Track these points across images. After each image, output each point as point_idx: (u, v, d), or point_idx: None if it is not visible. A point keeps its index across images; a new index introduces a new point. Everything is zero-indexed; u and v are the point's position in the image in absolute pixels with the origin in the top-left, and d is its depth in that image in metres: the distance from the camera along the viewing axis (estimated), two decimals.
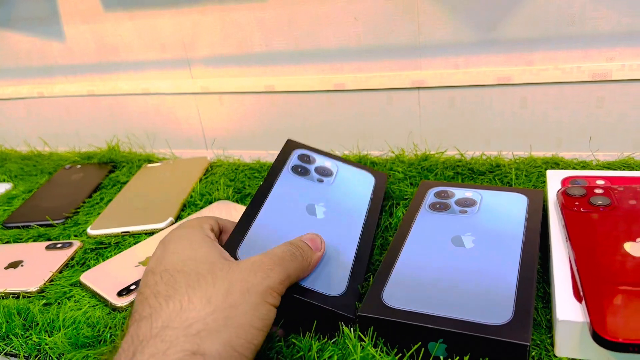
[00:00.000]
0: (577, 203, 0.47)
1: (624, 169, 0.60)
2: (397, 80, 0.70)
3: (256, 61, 0.75)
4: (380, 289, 0.40)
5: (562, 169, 0.62)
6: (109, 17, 0.79)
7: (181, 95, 0.81)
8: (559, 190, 0.49)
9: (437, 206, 0.50)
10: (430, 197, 0.52)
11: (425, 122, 0.72)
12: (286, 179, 0.51)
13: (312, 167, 0.54)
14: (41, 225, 0.65)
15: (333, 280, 0.42)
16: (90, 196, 0.72)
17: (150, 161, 0.80)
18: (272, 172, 0.51)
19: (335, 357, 0.37)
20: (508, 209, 0.49)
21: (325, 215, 0.48)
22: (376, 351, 0.37)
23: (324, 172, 0.54)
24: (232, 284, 0.35)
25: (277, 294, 0.37)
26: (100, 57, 0.83)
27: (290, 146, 0.55)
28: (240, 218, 0.45)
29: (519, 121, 0.68)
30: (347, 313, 0.39)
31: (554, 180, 0.54)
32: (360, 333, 0.39)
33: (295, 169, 0.52)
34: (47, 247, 0.59)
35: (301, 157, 0.55)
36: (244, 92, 0.78)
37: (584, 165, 0.62)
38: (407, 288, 0.40)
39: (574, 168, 0.62)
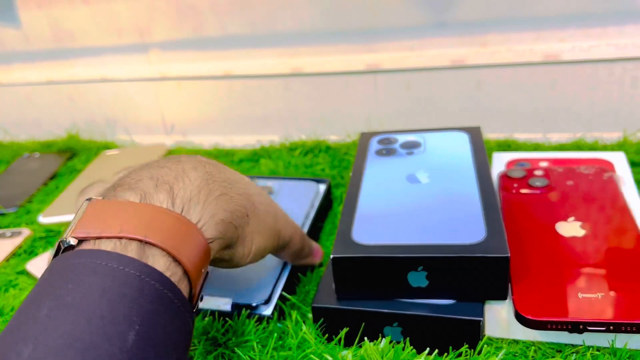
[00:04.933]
0: (515, 185, 0.47)
1: (575, 151, 0.60)
2: (353, 64, 0.70)
3: (213, 46, 0.75)
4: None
5: (514, 150, 0.62)
6: (63, 1, 0.78)
7: (139, 81, 0.80)
8: (500, 173, 0.49)
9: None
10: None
11: (382, 105, 0.72)
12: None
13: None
14: None
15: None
16: (45, 184, 0.71)
17: (109, 148, 0.80)
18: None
19: None
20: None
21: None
22: None
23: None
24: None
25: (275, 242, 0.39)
26: (57, 44, 0.82)
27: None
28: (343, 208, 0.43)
29: (473, 103, 0.68)
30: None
31: (498, 162, 0.54)
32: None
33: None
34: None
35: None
36: (202, 77, 0.77)
37: (536, 147, 0.62)
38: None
39: (526, 150, 0.62)
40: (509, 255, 0.34)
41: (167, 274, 0.27)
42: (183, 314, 0.28)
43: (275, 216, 0.38)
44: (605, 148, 0.60)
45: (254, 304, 0.41)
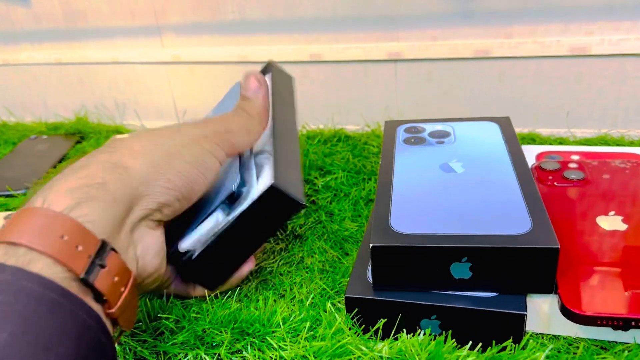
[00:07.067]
0: (550, 177, 0.46)
1: (601, 146, 0.59)
2: (373, 52, 0.68)
3: (229, 30, 0.73)
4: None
5: (538, 145, 0.61)
6: None
7: (151, 64, 0.78)
8: (532, 165, 0.48)
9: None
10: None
11: (402, 95, 0.70)
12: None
13: None
14: (1, 195, 0.63)
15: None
16: (55, 167, 0.69)
17: (119, 132, 0.78)
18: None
19: None
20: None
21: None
22: None
23: None
24: (171, 128, 0.38)
25: (211, 143, 0.38)
26: (68, 24, 0.80)
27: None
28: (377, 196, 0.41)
29: (496, 96, 0.67)
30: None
31: (528, 155, 0.52)
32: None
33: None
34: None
35: None
36: (216, 62, 0.75)
37: (561, 142, 0.61)
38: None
39: (550, 144, 0.61)
40: (559, 246, 0.32)
41: (12, 261, 0.27)
42: (56, 300, 0.27)
43: (196, 142, 0.38)
44: (632, 144, 0.59)
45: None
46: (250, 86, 0.44)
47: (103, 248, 0.30)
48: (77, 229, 0.29)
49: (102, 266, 0.29)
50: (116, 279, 0.30)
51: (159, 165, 0.34)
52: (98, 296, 0.29)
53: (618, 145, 0.59)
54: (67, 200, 0.30)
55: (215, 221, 0.39)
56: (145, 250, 0.34)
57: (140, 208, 0.33)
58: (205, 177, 0.37)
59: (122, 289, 0.31)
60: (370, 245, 0.35)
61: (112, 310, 0.30)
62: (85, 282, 0.28)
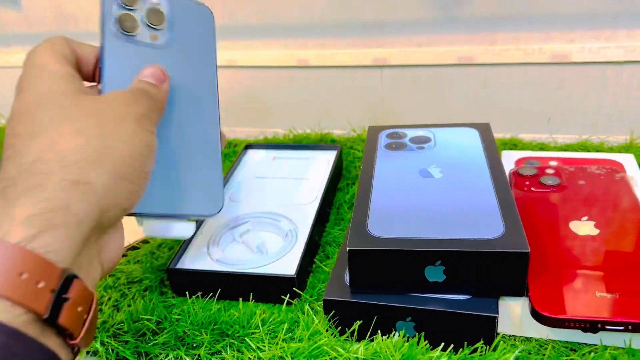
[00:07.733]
0: (527, 183, 0.47)
1: (582, 152, 0.60)
2: (359, 58, 0.69)
3: (217, 34, 0.73)
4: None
5: (519, 150, 0.62)
6: None
7: None
8: (510, 170, 0.49)
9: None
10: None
11: (388, 100, 0.71)
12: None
13: None
14: None
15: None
16: None
17: None
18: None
19: None
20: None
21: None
22: None
23: None
24: (101, 114, 0.32)
25: (150, 122, 0.34)
26: (59, 27, 0.80)
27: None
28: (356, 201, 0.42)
29: (480, 102, 0.68)
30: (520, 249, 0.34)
31: (508, 161, 0.54)
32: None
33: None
34: None
35: None
36: None
37: (542, 147, 0.62)
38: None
39: (531, 150, 0.62)
40: (530, 251, 0.33)
41: None
42: (7, 345, 0.24)
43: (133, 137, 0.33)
44: (611, 150, 0.60)
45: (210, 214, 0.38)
46: (155, 75, 0.38)
47: (67, 279, 0.27)
48: (38, 263, 0.26)
49: (66, 299, 0.27)
50: (80, 308, 0.28)
51: (119, 171, 0.31)
52: (61, 331, 0.27)
53: (598, 151, 0.60)
54: (25, 229, 0.26)
55: (179, 232, 0.38)
56: (111, 252, 0.33)
57: (107, 219, 0.31)
58: (153, 161, 0.34)
59: (85, 316, 0.29)
60: (347, 248, 0.36)
61: (76, 342, 0.28)
62: (49, 322, 0.26)
